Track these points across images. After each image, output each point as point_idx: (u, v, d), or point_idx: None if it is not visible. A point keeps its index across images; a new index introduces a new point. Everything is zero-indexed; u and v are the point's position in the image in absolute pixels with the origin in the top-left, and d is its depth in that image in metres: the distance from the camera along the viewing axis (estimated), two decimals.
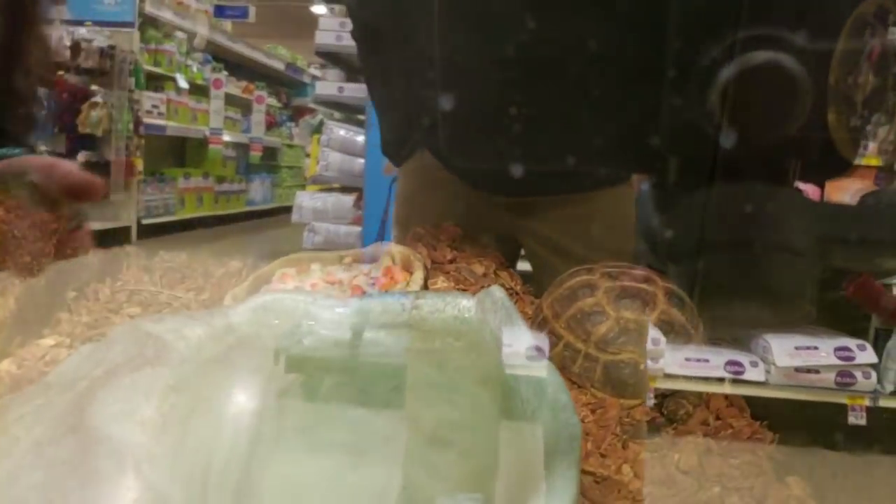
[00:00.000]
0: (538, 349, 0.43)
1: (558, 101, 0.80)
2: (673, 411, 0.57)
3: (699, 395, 0.59)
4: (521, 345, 0.45)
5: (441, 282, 0.67)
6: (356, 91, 3.06)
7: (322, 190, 3.33)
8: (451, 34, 0.79)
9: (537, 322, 0.64)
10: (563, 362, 0.60)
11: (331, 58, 3.25)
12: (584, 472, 0.47)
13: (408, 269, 0.68)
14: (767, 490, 0.46)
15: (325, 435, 0.46)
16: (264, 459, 0.43)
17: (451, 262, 0.71)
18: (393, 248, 0.70)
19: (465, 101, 0.80)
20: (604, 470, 0.48)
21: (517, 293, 0.73)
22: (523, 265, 1.03)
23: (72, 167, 0.73)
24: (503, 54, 0.77)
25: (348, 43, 3.10)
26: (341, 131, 3.05)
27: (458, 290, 0.67)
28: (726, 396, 0.58)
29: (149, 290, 0.67)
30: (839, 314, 0.72)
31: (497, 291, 0.51)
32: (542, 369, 0.41)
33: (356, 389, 0.49)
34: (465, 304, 0.54)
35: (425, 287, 0.65)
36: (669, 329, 0.59)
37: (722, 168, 0.72)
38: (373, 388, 0.50)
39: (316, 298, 0.54)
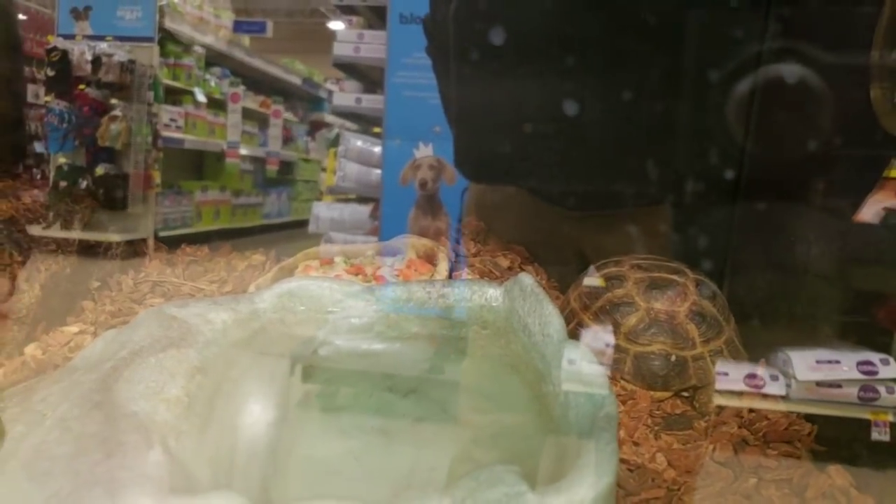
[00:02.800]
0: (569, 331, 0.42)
1: (617, 121, 0.80)
2: (704, 403, 0.55)
3: None
4: (553, 330, 0.44)
5: (466, 274, 0.66)
6: (374, 102, 3.06)
7: (338, 200, 3.33)
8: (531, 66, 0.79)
9: (565, 314, 0.63)
10: None
11: (348, 69, 3.26)
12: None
13: (431, 261, 0.67)
14: (807, 480, 0.45)
15: (351, 417, 0.45)
16: (291, 441, 0.42)
17: (475, 255, 0.70)
18: (416, 241, 0.69)
19: (538, 129, 0.80)
20: (637, 458, 0.46)
21: (542, 288, 0.71)
22: None
23: None
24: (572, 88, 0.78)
25: (366, 54, 3.12)
26: (358, 142, 3.05)
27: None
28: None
29: (171, 282, 0.66)
30: (859, 331, 0.69)
31: (526, 279, 0.50)
32: (578, 352, 0.40)
33: (381, 374, 0.49)
34: (493, 293, 0.53)
35: (450, 279, 0.64)
36: (701, 321, 0.58)
37: (740, 187, 0.71)
38: (398, 374, 0.49)
39: (341, 285, 0.53)
